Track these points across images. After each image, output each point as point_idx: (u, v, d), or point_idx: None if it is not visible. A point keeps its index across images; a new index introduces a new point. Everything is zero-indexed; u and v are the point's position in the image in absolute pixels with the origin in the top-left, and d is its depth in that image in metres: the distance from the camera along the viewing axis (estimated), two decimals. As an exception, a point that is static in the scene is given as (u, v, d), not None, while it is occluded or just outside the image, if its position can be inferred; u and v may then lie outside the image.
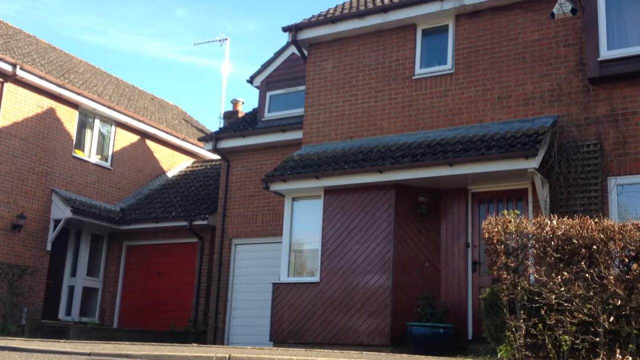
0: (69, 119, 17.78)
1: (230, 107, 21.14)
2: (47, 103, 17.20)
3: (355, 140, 12.81)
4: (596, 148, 10.59)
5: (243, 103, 20.73)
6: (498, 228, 7.39)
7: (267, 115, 16.24)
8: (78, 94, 17.61)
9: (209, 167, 20.46)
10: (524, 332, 7.03)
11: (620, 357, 6.72)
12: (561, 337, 6.89)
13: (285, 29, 13.72)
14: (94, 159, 18.51)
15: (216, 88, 62.36)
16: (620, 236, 6.99)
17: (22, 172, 16.48)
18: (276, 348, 10.96)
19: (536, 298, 7.04)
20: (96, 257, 18.48)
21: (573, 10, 10.88)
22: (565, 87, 11.10)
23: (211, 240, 16.65)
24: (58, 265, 17.61)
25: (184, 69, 54.07)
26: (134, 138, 19.78)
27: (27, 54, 17.71)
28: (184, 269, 17.11)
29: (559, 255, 7.12)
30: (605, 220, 7.31)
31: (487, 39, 11.98)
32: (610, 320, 6.86)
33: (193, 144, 21.40)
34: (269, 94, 16.40)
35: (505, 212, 7.72)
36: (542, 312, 6.96)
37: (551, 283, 7.05)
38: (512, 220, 7.48)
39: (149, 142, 20.29)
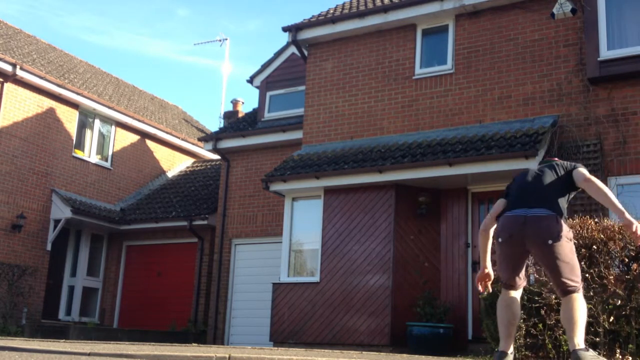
0: (69, 119, 17.78)
1: (230, 107, 21.14)
2: (47, 103, 17.20)
3: (355, 140, 12.81)
4: (596, 148, 10.60)
5: (243, 103, 20.73)
6: (498, 228, 7.37)
7: (267, 115, 16.24)
8: (78, 94, 17.61)
9: (209, 167, 20.46)
10: (524, 332, 7.03)
11: (620, 357, 6.72)
12: (561, 337, 6.88)
13: (285, 29, 13.72)
14: (94, 159, 18.50)
15: (216, 88, 62.40)
16: (620, 236, 6.98)
17: (22, 172, 16.47)
18: (276, 348, 10.96)
19: (536, 298, 7.04)
20: (96, 257, 18.47)
21: (573, 10, 10.88)
22: (565, 87, 11.11)
23: (211, 240, 16.64)
24: (58, 265, 17.61)
25: (184, 69, 54.11)
26: (134, 138, 19.77)
27: (27, 54, 17.71)
28: (184, 269, 17.11)
29: (559, 255, 7.10)
30: (605, 220, 7.31)
31: (487, 39, 11.98)
32: (610, 320, 6.86)
33: (193, 144, 21.39)
34: (269, 94, 16.40)
35: (505, 212, 7.70)
36: (542, 312, 6.96)
37: (551, 283, 7.05)
38: (512, 220, 7.46)
39: (149, 142, 20.29)
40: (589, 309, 6.91)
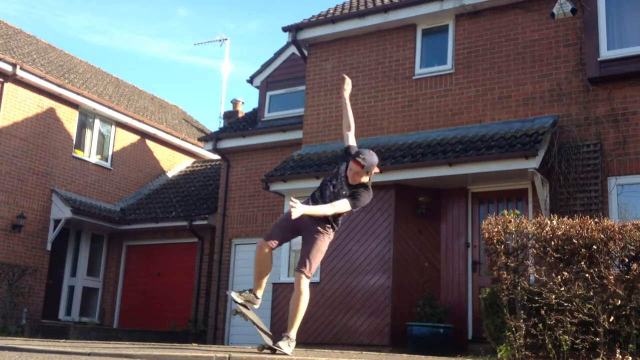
0: (69, 119, 17.78)
1: (230, 107, 21.15)
2: (47, 103, 17.20)
3: (355, 140, 12.78)
4: (596, 148, 10.59)
5: (243, 103, 20.73)
6: (498, 228, 7.38)
7: (267, 115, 16.24)
8: (78, 94, 17.61)
9: (209, 167, 20.46)
10: (524, 332, 7.02)
11: (620, 357, 6.71)
12: (561, 337, 6.88)
13: (285, 29, 13.72)
14: (94, 159, 18.51)
15: (216, 88, 62.43)
16: (620, 236, 6.97)
17: (22, 172, 16.47)
18: (276, 348, 10.94)
19: (536, 298, 7.04)
20: (96, 257, 18.48)
21: (573, 10, 10.88)
22: (565, 87, 11.10)
23: (211, 240, 16.64)
24: (58, 265, 17.61)
25: (184, 69, 54.12)
26: (134, 138, 19.78)
27: (27, 54, 17.71)
28: (184, 269, 17.11)
29: (559, 255, 7.11)
30: (605, 220, 7.30)
31: (487, 39, 11.98)
32: (610, 320, 6.86)
33: (193, 144, 21.40)
34: (269, 94, 16.40)
35: (505, 212, 7.71)
36: (542, 312, 6.95)
37: (551, 283, 7.04)
38: (512, 220, 7.47)
39: (149, 142, 20.29)
40: (589, 309, 6.92)
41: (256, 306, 6.26)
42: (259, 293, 6.20)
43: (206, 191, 18.21)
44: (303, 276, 5.86)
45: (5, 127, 16.14)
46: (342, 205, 5.83)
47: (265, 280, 6.17)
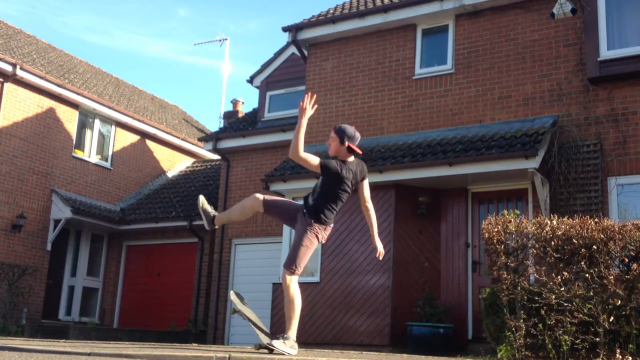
0: (69, 119, 17.78)
1: (230, 107, 21.15)
2: (47, 103, 17.19)
3: (355, 140, 12.79)
4: (596, 148, 10.59)
5: (243, 103, 20.73)
6: (498, 228, 7.38)
7: (267, 115, 16.24)
8: (78, 94, 17.61)
9: (209, 167, 20.46)
10: (524, 332, 7.02)
11: (620, 357, 6.71)
12: (561, 337, 6.88)
13: (285, 29, 13.72)
14: (94, 159, 18.50)
15: (216, 88, 62.43)
16: (620, 236, 6.97)
17: (22, 172, 16.47)
18: (276, 348, 10.93)
19: (536, 298, 7.04)
20: (96, 257, 18.48)
21: (573, 10, 10.88)
22: (565, 87, 11.10)
23: (211, 240, 16.64)
24: (58, 265, 17.61)
25: (184, 69, 54.12)
26: (134, 138, 19.77)
27: (27, 54, 17.70)
28: (184, 269, 17.11)
29: (559, 255, 7.10)
30: (605, 220, 7.30)
31: (487, 39, 11.98)
32: (610, 320, 6.86)
33: (193, 144, 21.39)
34: (269, 94, 16.40)
35: (505, 212, 7.71)
36: (542, 312, 6.95)
37: (551, 283, 7.04)
38: (512, 220, 7.47)
39: (149, 142, 20.29)
40: (589, 309, 6.92)
41: (209, 227, 6.46)
42: (218, 221, 6.47)
43: (206, 191, 18.20)
44: (287, 271, 5.91)
45: (5, 127, 16.14)
46: (310, 156, 5.95)
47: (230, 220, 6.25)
